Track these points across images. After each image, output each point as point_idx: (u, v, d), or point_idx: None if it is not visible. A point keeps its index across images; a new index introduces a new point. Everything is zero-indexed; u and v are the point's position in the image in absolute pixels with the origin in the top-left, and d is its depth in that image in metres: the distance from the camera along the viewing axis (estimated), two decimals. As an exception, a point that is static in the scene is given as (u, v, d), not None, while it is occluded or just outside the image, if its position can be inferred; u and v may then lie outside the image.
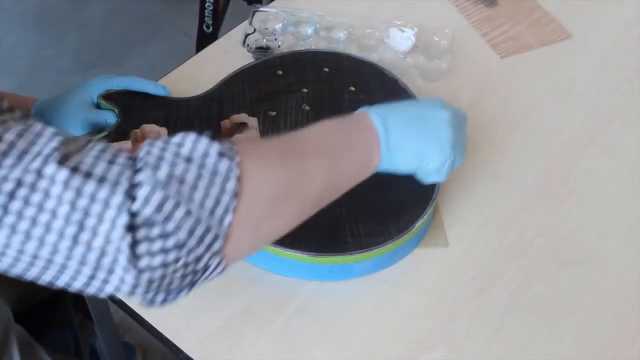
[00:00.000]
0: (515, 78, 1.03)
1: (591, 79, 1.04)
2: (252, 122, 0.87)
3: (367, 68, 0.94)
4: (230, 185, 0.53)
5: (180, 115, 0.87)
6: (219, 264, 0.55)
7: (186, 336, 0.75)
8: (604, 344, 0.77)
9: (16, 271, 0.52)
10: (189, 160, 0.53)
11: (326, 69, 0.94)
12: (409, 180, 0.82)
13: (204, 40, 1.78)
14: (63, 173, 0.49)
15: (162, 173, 0.51)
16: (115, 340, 1.15)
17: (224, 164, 0.53)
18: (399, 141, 0.67)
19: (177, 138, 0.54)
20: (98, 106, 0.88)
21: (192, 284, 0.56)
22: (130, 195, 0.50)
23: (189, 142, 0.54)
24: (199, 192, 0.52)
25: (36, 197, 0.49)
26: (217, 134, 0.84)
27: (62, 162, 0.50)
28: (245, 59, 1.00)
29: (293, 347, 0.75)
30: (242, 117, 0.88)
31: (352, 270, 0.79)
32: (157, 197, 0.50)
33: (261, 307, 0.78)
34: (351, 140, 0.66)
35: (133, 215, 0.50)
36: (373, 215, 0.79)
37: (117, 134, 0.84)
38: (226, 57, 1.02)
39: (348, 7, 1.09)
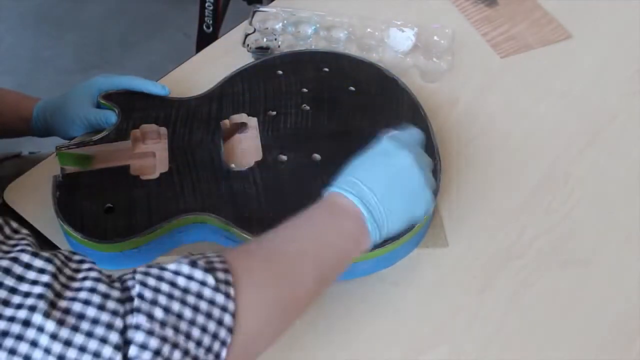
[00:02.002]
0: (515, 78, 1.03)
1: (591, 79, 1.04)
2: (252, 122, 0.87)
3: (367, 68, 0.94)
4: (227, 320, 0.53)
5: (180, 115, 0.87)
6: None
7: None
8: (603, 344, 0.77)
9: None
10: (185, 291, 0.52)
11: (326, 69, 0.94)
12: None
13: (204, 40, 1.78)
14: (50, 325, 0.47)
15: (159, 313, 0.50)
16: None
17: (220, 297, 0.53)
18: (384, 215, 0.65)
19: (173, 265, 0.54)
20: (98, 105, 0.88)
21: None
22: (124, 338, 0.49)
23: (186, 270, 0.53)
24: (196, 330, 0.51)
25: (23, 348, 0.47)
26: (217, 134, 0.84)
27: (48, 313, 0.47)
28: (245, 59, 1.00)
29: (293, 347, 0.75)
30: (242, 117, 0.88)
31: (352, 271, 0.79)
32: (154, 343, 0.49)
33: (261, 307, 0.77)
34: (336, 232, 0.64)
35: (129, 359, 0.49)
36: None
37: (117, 134, 0.84)
38: (226, 57, 1.02)
39: (348, 7, 1.09)
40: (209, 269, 0.54)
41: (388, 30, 1.04)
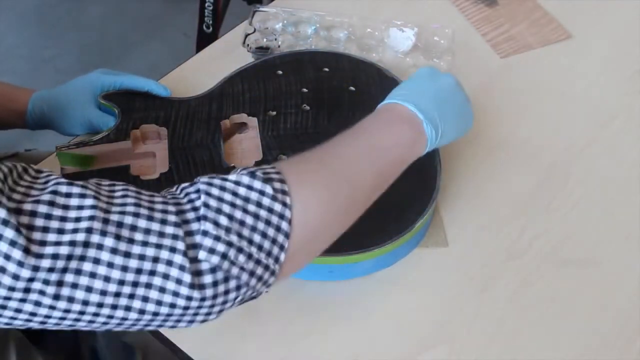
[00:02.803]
0: (515, 78, 1.03)
1: (591, 79, 1.04)
2: (252, 122, 0.87)
3: (367, 68, 0.94)
4: (285, 227, 0.56)
5: (180, 115, 0.87)
6: (268, 286, 0.58)
7: (186, 336, 0.75)
8: (603, 344, 0.77)
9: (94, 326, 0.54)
10: (246, 200, 0.55)
11: (326, 69, 0.94)
12: (409, 180, 0.82)
13: (204, 40, 1.78)
14: (109, 241, 0.50)
15: (224, 220, 0.53)
16: (115, 340, 1.15)
17: (278, 205, 0.56)
18: (438, 120, 0.69)
19: (233, 176, 0.57)
20: (99, 104, 0.88)
21: (239, 303, 0.58)
22: (191, 242, 0.52)
23: (246, 180, 0.56)
24: (257, 235, 0.55)
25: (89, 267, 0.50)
26: (217, 134, 0.84)
27: (104, 232, 0.51)
28: (245, 59, 1.00)
29: (293, 347, 0.75)
30: (242, 117, 0.88)
31: (352, 270, 0.79)
32: (221, 247, 0.53)
33: (261, 307, 0.77)
34: (392, 137, 0.67)
35: (198, 261, 0.52)
36: (373, 215, 0.79)
37: (117, 134, 0.84)
38: (226, 57, 1.02)
39: (348, 7, 1.09)
40: (267, 179, 0.56)
41: (388, 30, 1.04)
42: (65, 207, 0.50)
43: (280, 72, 0.93)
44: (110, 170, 0.81)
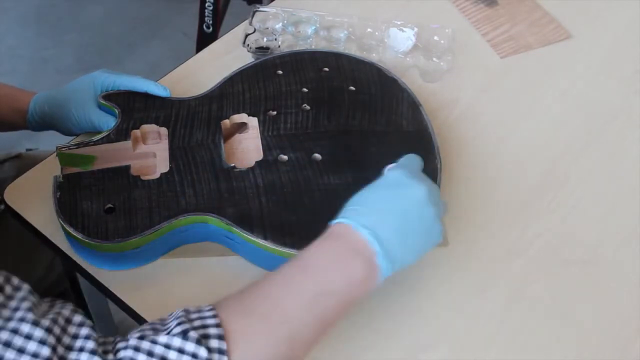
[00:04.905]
0: (515, 78, 1.03)
1: (591, 79, 1.04)
2: (252, 122, 0.87)
3: (367, 68, 0.94)
4: None
5: (180, 115, 0.87)
6: None
7: (186, 336, 0.74)
8: (604, 344, 0.77)
9: None
10: None
11: (326, 69, 0.94)
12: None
13: (204, 40, 1.78)
14: None
15: None
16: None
17: None
18: (398, 248, 0.63)
19: (164, 338, 0.54)
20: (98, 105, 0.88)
21: None
22: None
23: (177, 343, 0.54)
24: None
25: None
26: (217, 134, 0.84)
27: None
28: (245, 59, 1.00)
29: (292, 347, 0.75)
30: (242, 117, 0.88)
31: (352, 270, 0.78)
32: None
33: (261, 307, 0.77)
34: (342, 278, 0.61)
35: None
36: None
37: (118, 134, 0.84)
38: (226, 57, 1.02)
39: (348, 7, 1.09)
40: (202, 338, 0.54)
41: (388, 30, 1.04)
42: (21, 351, 0.50)
43: (280, 72, 0.93)
44: (110, 170, 0.81)
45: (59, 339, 0.52)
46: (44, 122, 0.89)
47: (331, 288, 0.61)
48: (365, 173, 0.82)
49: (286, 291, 0.61)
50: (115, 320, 1.10)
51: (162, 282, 0.78)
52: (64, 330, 0.53)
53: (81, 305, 1.10)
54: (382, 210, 0.64)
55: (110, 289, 0.78)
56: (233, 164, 0.82)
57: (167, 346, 0.54)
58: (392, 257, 0.63)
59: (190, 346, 0.54)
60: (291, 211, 0.78)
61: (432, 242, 0.68)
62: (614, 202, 0.89)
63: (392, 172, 0.68)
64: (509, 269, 0.82)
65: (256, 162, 0.82)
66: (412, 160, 0.72)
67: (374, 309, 0.78)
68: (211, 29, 1.80)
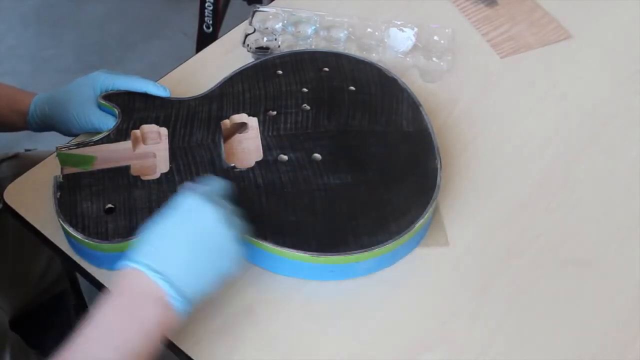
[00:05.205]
0: (515, 78, 1.03)
1: (591, 79, 1.04)
2: (252, 122, 0.87)
3: (367, 68, 0.94)
4: None
5: (180, 115, 0.87)
6: None
7: (186, 336, 0.75)
8: (603, 344, 0.77)
9: None
10: None
11: (326, 69, 0.94)
12: (409, 180, 0.82)
13: (204, 40, 1.78)
14: None
15: None
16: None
17: None
18: (189, 283, 0.64)
19: None
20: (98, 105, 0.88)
21: None
22: None
23: None
24: None
25: None
26: (217, 134, 0.84)
27: None
28: (245, 59, 1.00)
29: (293, 347, 0.75)
30: (242, 117, 0.88)
31: (353, 270, 0.79)
32: None
33: (261, 307, 0.78)
34: (138, 331, 0.62)
35: None
36: (374, 215, 0.79)
37: (118, 134, 0.84)
38: (226, 57, 1.02)
39: (348, 7, 1.09)
40: None
41: (388, 30, 1.04)
42: None
43: (280, 72, 0.93)
44: (110, 170, 0.81)
45: None
46: (44, 123, 0.89)
47: (131, 346, 0.62)
48: (365, 173, 0.82)
49: (88, 356, 0.61)
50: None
51: (162, 282, 0.78)
52: None
53: (81, 305, 1.10)
54: (171, 245, 0.65)
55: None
56: (233, 164, 0.82)
57: None
58: (184, 293, 0.63)
59: None
60: (291, 211, 0.78)
61: (230, 266, 0.67)
62: (614, 202, 0.89)
63: (183, 197, 0.68)
64: (509, 268, 0.82)
65: (256, 162, 0.82)
66: (211, 183, 0.72)
67: (373, 309, 0.78)
68: (211, 29, 1.80)
